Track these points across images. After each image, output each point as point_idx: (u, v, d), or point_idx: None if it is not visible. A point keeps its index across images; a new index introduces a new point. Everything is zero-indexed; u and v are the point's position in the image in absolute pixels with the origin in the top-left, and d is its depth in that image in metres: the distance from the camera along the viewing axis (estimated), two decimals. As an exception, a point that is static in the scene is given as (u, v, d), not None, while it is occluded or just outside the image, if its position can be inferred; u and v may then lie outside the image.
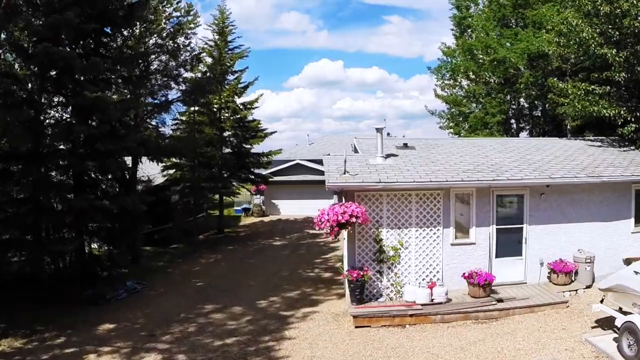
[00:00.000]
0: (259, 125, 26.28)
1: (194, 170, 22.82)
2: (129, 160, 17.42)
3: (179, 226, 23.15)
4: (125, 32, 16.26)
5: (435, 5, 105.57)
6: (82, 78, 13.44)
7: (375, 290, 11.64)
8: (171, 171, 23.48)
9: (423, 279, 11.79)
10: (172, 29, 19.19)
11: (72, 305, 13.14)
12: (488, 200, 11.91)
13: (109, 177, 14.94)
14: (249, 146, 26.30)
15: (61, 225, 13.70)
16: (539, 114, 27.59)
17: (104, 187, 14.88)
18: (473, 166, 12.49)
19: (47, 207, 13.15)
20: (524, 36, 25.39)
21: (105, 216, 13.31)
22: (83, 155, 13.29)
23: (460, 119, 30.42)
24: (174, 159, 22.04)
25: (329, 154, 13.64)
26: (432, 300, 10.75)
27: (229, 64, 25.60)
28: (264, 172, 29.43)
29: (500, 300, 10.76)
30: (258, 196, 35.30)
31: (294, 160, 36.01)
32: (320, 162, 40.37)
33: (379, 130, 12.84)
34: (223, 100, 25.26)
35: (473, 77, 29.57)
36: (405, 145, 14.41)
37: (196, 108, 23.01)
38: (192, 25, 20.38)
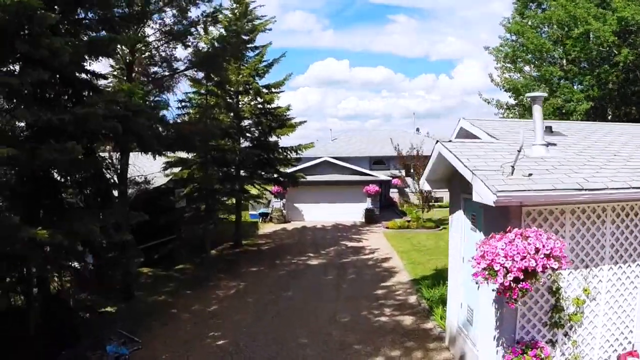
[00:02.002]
0: (287, 113, 20.81)
1: (206, 168, 17.48)
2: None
3: (186, 241, 17.89)
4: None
5: (440, 4, 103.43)
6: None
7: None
8: (176, 169, 18.18)
9: (615, 349, 6.58)
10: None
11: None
12: None
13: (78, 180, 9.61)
14: (274, 138, 20.88)
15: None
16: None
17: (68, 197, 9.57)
18: None
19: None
20: (619, 4, 20.10)
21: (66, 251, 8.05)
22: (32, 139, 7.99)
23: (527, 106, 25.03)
24: (180, 153, 16.74)
25: (450, 141, 8.17)
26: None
27: (248, 37, 20.25)
28: (289, 170, 24.12)
29: None
30: (278, 199, 29.99)
31: (321, 157, 30.67)
32: (347, 159, 35.12)
33: (536, 100, 7.46)
34: (242, 81, 19.90)
35: (543, 57, 24.35)
36: (550, 130, 8.87)
37: (208, 88, 17.68)
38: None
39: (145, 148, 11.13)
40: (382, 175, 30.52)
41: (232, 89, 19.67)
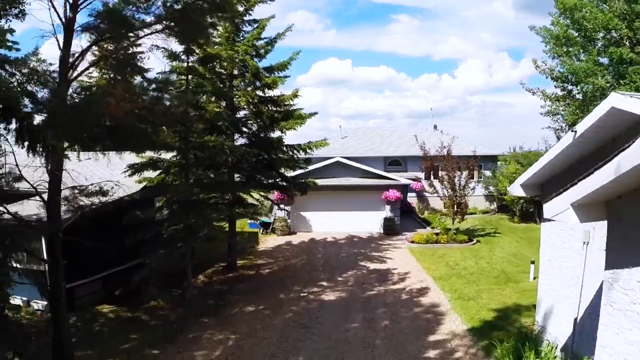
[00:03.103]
0: (294, 101, 16.30)
1: (187, 171, 13.08)
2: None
3: (161, 269, 13.52)
4: None
5: (442, 4, 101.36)
6: None
7: None
8: (151, 173, 13.80)
9: None
10: None
11: None
12: None
13: None
14: (277, 133, 16.39)
15: None
16: None
17: None
18: None
19: None
20: None
21: None
22: None
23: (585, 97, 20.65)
24: (149, 153, 12.37)
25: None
26: None
27: (243, 6, 15.84)
28: (295, 173, 19.69)
29: None
30: (282, 206, 25.58)
31: (332, 157, 26.24)
32: (358, 160, 30.68)
33: None
34: (236, 60, 15.47)
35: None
36: None
37: (189, 64, 13.28)
38: None
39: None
40: (402, 178, 26.08)
41: (223, 70, 15.27)
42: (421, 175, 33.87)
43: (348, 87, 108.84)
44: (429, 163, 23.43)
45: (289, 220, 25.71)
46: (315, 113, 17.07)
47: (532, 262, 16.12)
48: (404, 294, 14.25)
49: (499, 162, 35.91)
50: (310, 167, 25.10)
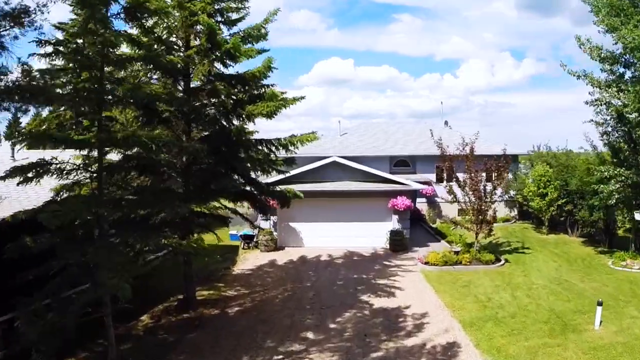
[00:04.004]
0: (267, 77, 11.67)
1: (99, 178, 8.60)
2: None
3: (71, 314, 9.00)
4: None
5: (444, 4, 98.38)
6: None
7: None
8: (56, 181, 9.30)
9: None
10: None
11: None
12: None
13: None
14: (249, 125, 11.81)
15: None
16: None
17: None
18: None
19: None
20: None
21: None
22: None
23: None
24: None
25: None
26: None
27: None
28: (272, 179, 15.20)
29: None
30: (267, 216, 21.15)
31: (328, 156, 21.77)
32: (359, 159, 26.13)
33: None
34: (189, 21, 10.98)
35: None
36: None
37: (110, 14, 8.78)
38: None
39: None
40: (413, 182, 21.55)
41: (165, 33, 10.81)
42: (432, 177, 29.45)
43: (350, 87, 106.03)
44: (447, 164, 18.92)
45: (275, 233, 21.24)
46: (303, 97, 12.46)
47: (600, 304, 11.65)
48: (425, 357, 9.78)
49: (520, 164, 31.40)
50: (301, 169, 20.74)
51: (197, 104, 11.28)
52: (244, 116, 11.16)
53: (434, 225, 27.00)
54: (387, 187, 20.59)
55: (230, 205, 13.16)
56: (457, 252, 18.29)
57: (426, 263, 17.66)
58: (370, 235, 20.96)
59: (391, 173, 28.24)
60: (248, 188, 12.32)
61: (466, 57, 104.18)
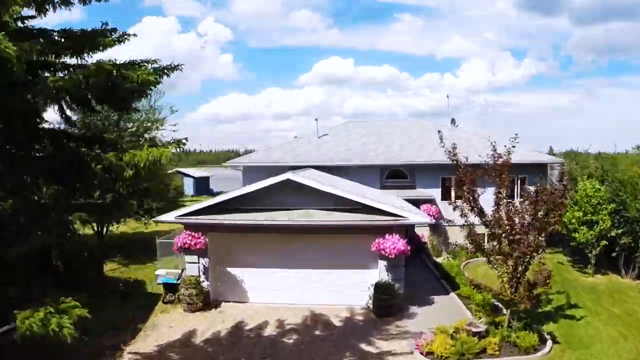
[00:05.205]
0: None
1: None
2: None
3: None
4: None
5: (445, 3, 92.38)
6: None
7: None
8: None
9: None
10: None
11: None
12: None
13: None
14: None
15: None
16: None
17: None
18: None
19: None
20: None
21: None
22: None
23: None
24: None
25: None
26: None
27: None
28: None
29: None
30: (191, 256, 14.30)
31: (304, 166, 14.80)
32: (341, 170, 18.13)
33: None
34: None
35: None
36: None
37: None
38: None
39: None
40: (411, 211, 14.53)
41: None
42: (436, 193, 22.51)
43: (350, 86, 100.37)
44: (467, 177, 11.82)
45: (205, 283, 14.28)
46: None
47: None
48: None
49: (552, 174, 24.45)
50: (245, 190, 13.80)
51: None
52: None
53: (438, 260, 20.07)
54: (370, 219, 13.55)
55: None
56: (478, 333, 11.29)
57: (429, 354, 10.67)
58: (345, 289, 13.99)
59: (383, 188, 21.34)
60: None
61: (467, 56, 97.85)
